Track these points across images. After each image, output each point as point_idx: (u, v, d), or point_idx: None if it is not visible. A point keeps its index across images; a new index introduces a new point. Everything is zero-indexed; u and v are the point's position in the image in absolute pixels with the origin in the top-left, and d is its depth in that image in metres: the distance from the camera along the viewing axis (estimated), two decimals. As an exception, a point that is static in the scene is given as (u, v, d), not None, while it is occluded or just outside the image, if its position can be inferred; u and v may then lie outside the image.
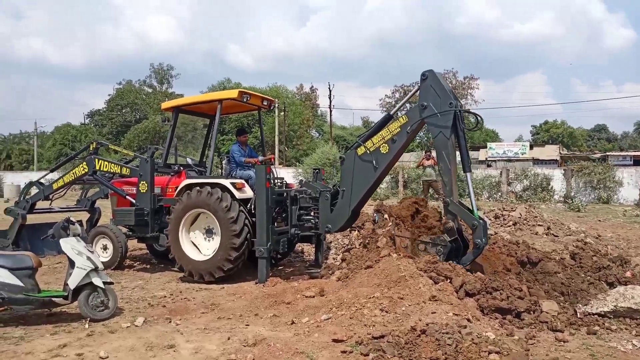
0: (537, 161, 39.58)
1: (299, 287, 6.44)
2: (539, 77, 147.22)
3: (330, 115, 48.02)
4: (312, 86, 61.86)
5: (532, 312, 5.24)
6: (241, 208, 7.33)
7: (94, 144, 9.62)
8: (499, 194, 25.15)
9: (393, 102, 52.19)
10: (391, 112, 7.09)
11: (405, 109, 7.18)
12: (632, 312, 5.12)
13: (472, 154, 39.07)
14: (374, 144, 6.84)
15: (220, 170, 9.53)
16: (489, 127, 69.69)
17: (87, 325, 5.25)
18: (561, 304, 5.53)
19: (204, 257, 7.58)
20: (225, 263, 7.28)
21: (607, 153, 40.67)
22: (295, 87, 64.48)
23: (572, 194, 24.88)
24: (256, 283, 7.16)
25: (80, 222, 10.48)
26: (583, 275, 6.38)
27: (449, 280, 5.63)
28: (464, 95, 50.24)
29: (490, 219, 12.17)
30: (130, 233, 8.75)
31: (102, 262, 8.29)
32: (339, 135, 50.79)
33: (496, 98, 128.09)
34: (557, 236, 11.27)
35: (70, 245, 5.41)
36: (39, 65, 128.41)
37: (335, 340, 4.58)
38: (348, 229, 8.84)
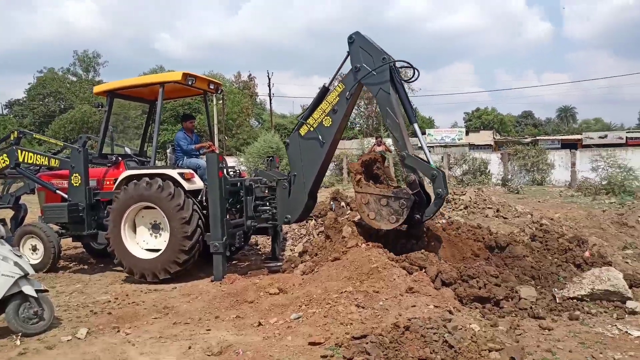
0: (473, 146, 40.79)
1: (260, 283, 5.92)
2: (466, 66, 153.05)
3: (271, 103, 47.14)
4: (250, 74, 60.42)
5: (510, 299, 5.05)
6: (195, 207, 6.70)
7: (15, 133, 8.55)
8: (441, 178, 25.56)
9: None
10: (326, 84, 6.78)
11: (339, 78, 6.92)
12: (609, 294, 5.03)
13: (411, 140, 39.58)
14: (315, 120, 6.58)
15: (165, 161, 8.76)
16: (425, 115, 71.35)
17: (18, 342, 4.50)
18: (537, 288, 5.37)
19: (149, 255, 6.89)
20: (172, 265, 6.66)
21: (538, 137, 42.62)
22: (233, 75, 62.55)
23: (509, 176, 25.79)
24: (212, 281, 6.57)
25: (3, 221, 9.49)
26: (550, 257, 6.29)
27: (423, 270, 5.33)
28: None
29: (441, 204, 12.14)
30: (63, 231, 7.85)
31: (32, 265, 7.45)
32: (280, 124, 49.93)
33: (427, 87, 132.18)
34: (506, 218, 11.35)
35: (-8, 250, 4.59)
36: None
37: (312, 344, 4.13)
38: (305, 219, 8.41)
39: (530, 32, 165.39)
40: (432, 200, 6.01)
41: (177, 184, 6.76)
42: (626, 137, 43.25)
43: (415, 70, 6.21)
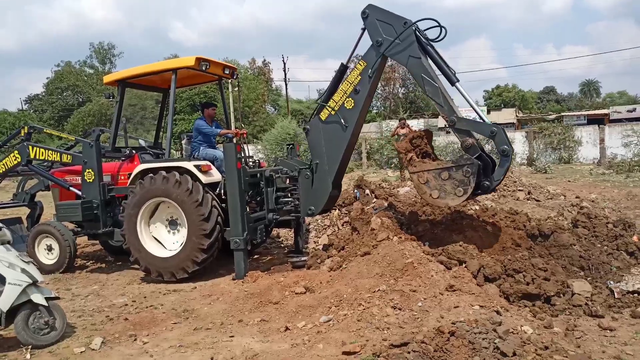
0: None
1: (285, 281, 5.54)
2: (483, 42, 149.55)
3: (287, 88, 46.57)
4: (265, 60, 59.69)
5: (562, 295, 4.57)
6: (214, 202, 6.32)
7: (26, 128, 8.23)
8: (464, 160, 24.89)
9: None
10: (345, 62, 6.25)
11: (358, 56, 6.53)
12: (675, 287, 4.51)
13: (432, 121, 38.75)
14: (337, 102, 6.13)
15: (181, 152, 8.38)
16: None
17: (28, 355, 4.18)
18: (589, 281, 4.87)
19: (166, 254, 6.56)
20: (190, 264, 6.30)
21: (562, 114, 41.27)
22: (247, 61, 61.74)
23: (535, 155, 24.98)
24: (234, 279, 6.20)
25: (19, 220, 9.24)
26: (599, 245, 5.75)
27: (463, 265, 4.87)
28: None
29: (469, 187, 11.60)
30: (79, 229, 7.56)
31: (48, 266, 7.22)
32: (296, 109, 49.37)
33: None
34: (539, 200, 10.83)
35: (-3, 256, 4.26)
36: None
37: (346, 353, 3.72)
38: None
39: (548, 3, 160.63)
40: (498, 161, 5.44)
41: (194, 177, 6.38)
42: (655, 110, 41.59)
43: (442, 29, 5.59)
